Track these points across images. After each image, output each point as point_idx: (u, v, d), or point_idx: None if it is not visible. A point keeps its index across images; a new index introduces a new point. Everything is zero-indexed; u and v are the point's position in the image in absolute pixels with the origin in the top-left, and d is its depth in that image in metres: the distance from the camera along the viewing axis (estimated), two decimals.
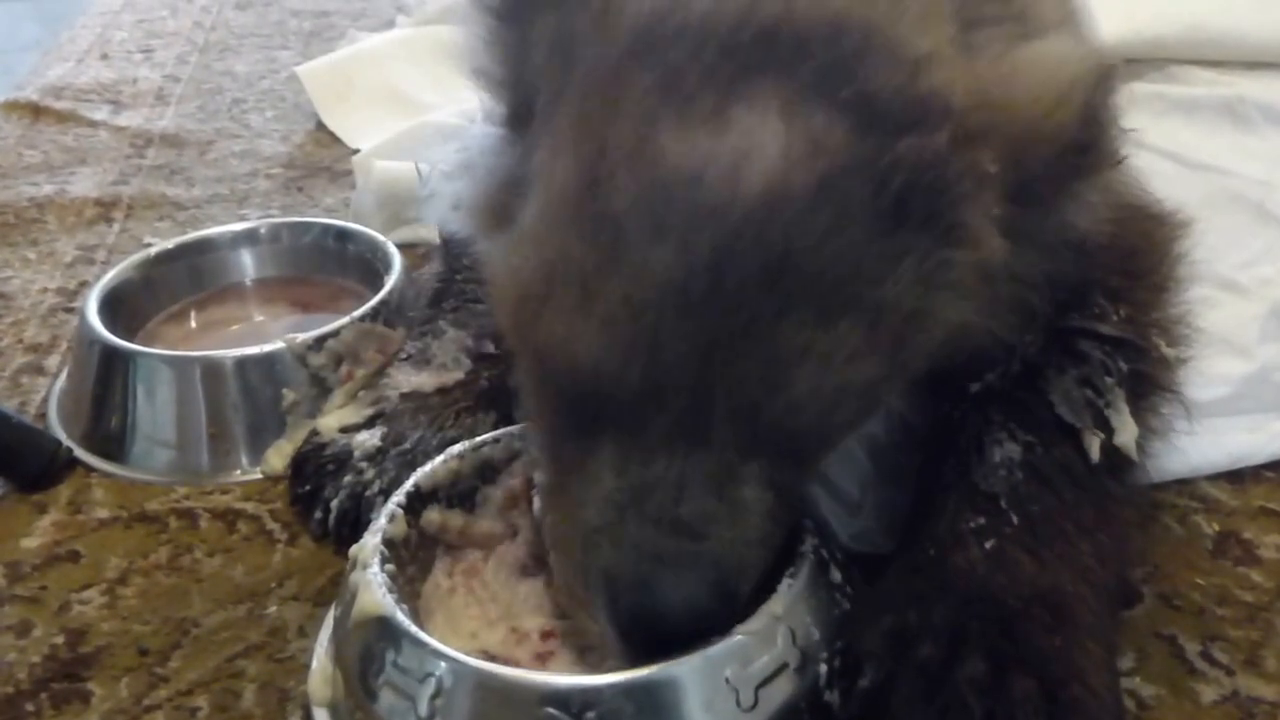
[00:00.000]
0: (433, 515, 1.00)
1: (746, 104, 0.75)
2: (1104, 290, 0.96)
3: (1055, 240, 0.86)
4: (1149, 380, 0.97)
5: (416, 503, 0.99)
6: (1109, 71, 0.79)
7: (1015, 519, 0.90)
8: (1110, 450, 0.93)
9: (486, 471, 1.02)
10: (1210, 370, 1.11)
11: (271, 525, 1.15)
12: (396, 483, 1.03)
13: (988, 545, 0.89)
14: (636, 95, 0.77)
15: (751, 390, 0.76)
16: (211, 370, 1.22)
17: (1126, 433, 0.93)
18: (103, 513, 1.17)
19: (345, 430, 1.16)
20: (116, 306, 1.32)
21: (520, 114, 0.90)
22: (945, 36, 0.81)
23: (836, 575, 0.90)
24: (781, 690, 0.82)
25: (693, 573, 0.79)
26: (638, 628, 0.80)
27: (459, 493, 1.02)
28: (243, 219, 1.64)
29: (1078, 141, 0.78)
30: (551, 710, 0.78)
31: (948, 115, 0.77)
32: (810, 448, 0.83)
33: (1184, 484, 1.13)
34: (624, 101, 0.78)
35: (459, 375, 1.15)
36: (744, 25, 0.77)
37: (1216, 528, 1.09)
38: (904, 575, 0.90)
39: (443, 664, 0.82)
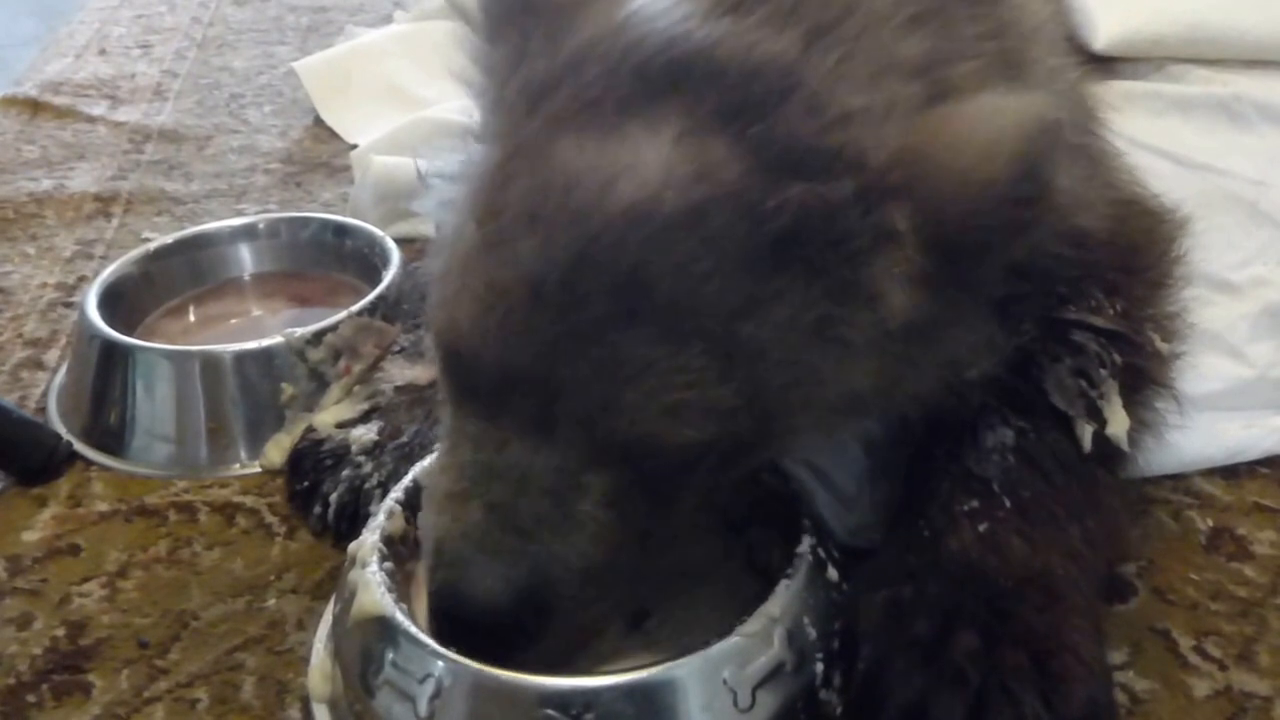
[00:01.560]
0: None
1: (643, 122, 0.78)
2: (1101, 284, 0.97)
3: (996, 302, 0.86)
4: (1142, 374, 0.98)
5: (415, 499, 0.99)
6: (1054, 123, 0.77)
7: (1007, 503, 0.91)
8: (1102, 440, 0.94)
9: None
10: (1202, 368, 1.12)
11: (270, 519, 1.15)
12: (395, 476, 1.03)
13: (980, 528, 0.90)
14: (554, 104, 0.81)
15: (590, 393, 0.77)
16: (210, 365, 1.22)
17: (1118, 424, 0.94)
18: (102, 506, 1.18)
19: (341, 425, 1.16)
20: (116, 301, 1.33)
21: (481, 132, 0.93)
22: (895, 93, 0.80)
23: (833, 574, 0.91)
24: (778, 691, 0.83)
25: (504, 569, 0.80)
26: (440, 603, 0.83)
27: None
28: (241, 214, 1.64)
29: (1012, 195, 0.76)
30: (550, 711, 0.79)
31: (856, 170, 0.77)
32: (659, 472, 0.81)
33: (1178, 479, 1.14)
34: (543, 109, 0.82)
35: None
36: (664, 52, 0.80)
37: (1210, 523, 1.10)
38: (898, 554, 0.92)
39: (442, 664, 0.82)
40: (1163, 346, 1.00)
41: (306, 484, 1.13)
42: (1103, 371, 0.95)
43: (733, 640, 0.82)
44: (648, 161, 0.77)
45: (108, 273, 1.36)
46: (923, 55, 0.83)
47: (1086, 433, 0.94)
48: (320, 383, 1.24)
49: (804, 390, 0.82)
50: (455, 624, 0.82)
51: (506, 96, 0.86)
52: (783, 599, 0.85)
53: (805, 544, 0.90)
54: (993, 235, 0.79)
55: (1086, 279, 0.96)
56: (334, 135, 2.01)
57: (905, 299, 0.80)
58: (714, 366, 0.77)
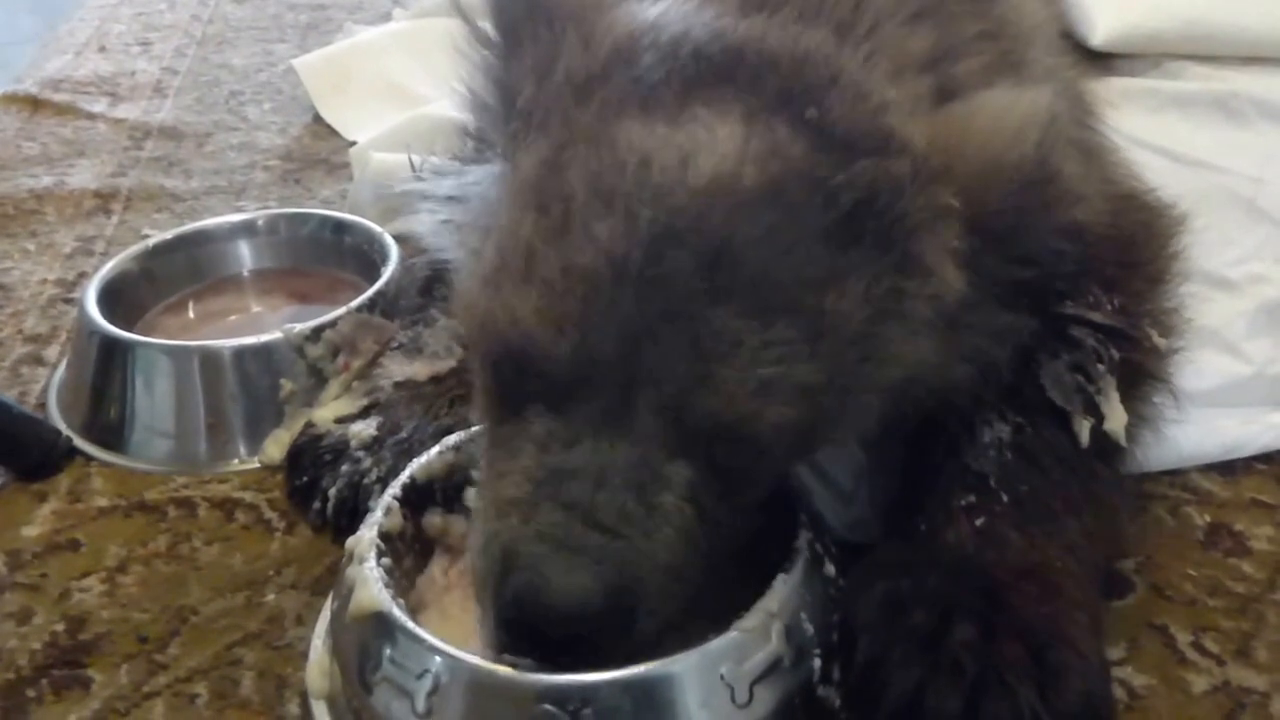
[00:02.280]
0: (435, 519, 1.01)
1: (709, 104, 0.80)
2: (1099, 279, 0.97)
3: (1021, 283, 0.88)
4: (1140, 369, 0.98)
5: (413, 495, 0.99)
6: (1059, 114, 0.82)
7: (1005, 497, 0.92)
8: (1100, 435, 0.95)
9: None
10: (1200, 364, 1.12)
11: (269, 514, 1.15)
12: (394, 471, 1.03)
13: (978, 522, 0.91)
14: (606, 93, 0.82)
15: (679, 375, 0.77)
16: (210, 360, 1.23)
17: (1116, 419, 0.95)
18: (102, 502, 1.18)
19: (340, 421, 1.17)
20: (115, 297, 1.33)
21: (511, 137, 0.92)
22: (913, 90, 0.84)
23: (831, 570, 0.91)
24: (776, 686, 0.83)
25: (593, 566, 0.78)
26: (519, 612, 0.79)
27: (456, 485, 1.02)
28: (240, 211, 1.64)
29: (1034, 178, 0.81)
30: (548, 706, 0.79)
31: (907, 150, 0.80)
32: (741, 456, 0.82)
33: (1176, 475, 1.14)
34: (594, 99, 0.82)
35: (451, 363, 1.16)
36: (715, 41, 0.82)
37: (1208, 519, 1.10)
38: (896, 548, 0.93)
39: (439, 660, 0.82)
40: (1160, 342, 1.00)
41: (305, 479, 1.13)
42: (1100, 367, 0.95)
43: (730, 636, 0.82)
44: (721, 139, 0.78)
45: (107, 269, 1.36)
46: (929, 50, 0.87)
47: (1084, 428, 0.94)
48: (319, 379, 1.24)
49: (870, 366, 0.82)
50: (536, 631, 0.79)
51: (542, 96, 0.85)
52: (780, 594, 0.85)
53: (803, 539, 0.90)
54: (1021, 218, 0.83)
55: (1085, 274, 0.96)
56: (333, 132, 2.02)
57: (958, 275, 0.82)
58: (801, 341, 0.78)
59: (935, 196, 0.80)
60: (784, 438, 0.81)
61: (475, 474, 0.97)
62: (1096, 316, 0.96)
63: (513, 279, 0.81)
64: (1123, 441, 0.96)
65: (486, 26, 0.93)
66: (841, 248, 0.78)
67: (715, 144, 0.78)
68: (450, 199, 1.01)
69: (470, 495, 1.02)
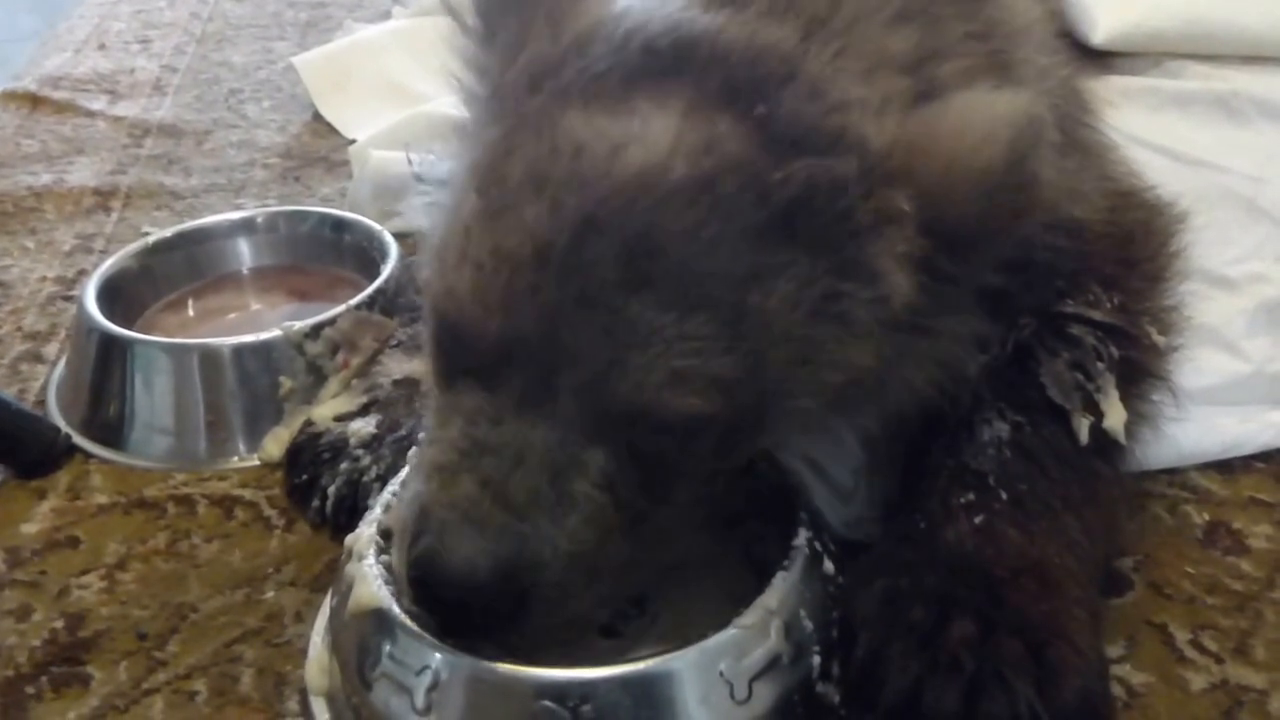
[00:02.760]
0: None
1: (650, 96, 0.80)
2: (1098, 277, 0.97)
3: (989, 290, 0.87)
4: (1139, 367, 0.98)
5: None
6: (1038, 117, 0.80)
7: (1004, 496, 0.92)
8: (1099, 433, 0.95)
9: None
10: (1199, 363, 1.12)
11: (269, 511, 1.15)
12: (393, 468, 1.04)
13: (977, 520, 0.91)
14: (556, 82, 0.82)
15: (594, 360, 0.78)
16: (209, 358, 1.23)
17: (1115, 416, 0.95)
18: (101, 499, 1.18)
19: (340, 419, 1.17)
20: (115, 295, 1.33)
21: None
22: (888, 87, 0.83)
23: (830, 567, 0.91)
24: (775, 683, 0.83)
25: (489, 543, 0.79)
26: (417, 572, 0.81)
27: None
28: (240, 209, 1.64)
29: (1004, 184, 0.79)
30: (547, 702, 0.79)
31: (857, 150, 0.79)
32: (660, 448, 0.82)
33: (1174, 474, 1.14)
34: (546, 86, 0.83)
35: None
36: (668, 34, 0.82)
37: (1207, 517, 1.10)
38: (895, 546, 0.92)
39: (438, 656, 0.82)
40: (1159, 340, 1.00)
41: (305, 477, 1.13)
42: (1100, 365, 0.95)
43: (730, 632, 0.82)
44: (656, 131, 0.78)
45: (107, 266, 1.36)
46: (911, 51, 0.86)
47: (1083, 426, 0.94)
48: (318, 376, 1.24)
49: (805, 369, 0.82)
50: (430, 594, 0.81)
51: (506, 81, 0.87)
52: (780, 591, 0.85)
53: (802, 537, 0.90)
54: (986, 224, 0.81)
55: (1083, 272, 0.96)
56: (332, 130, 2.02)
57: (906, 280, 0.81)
58: (719, 335, 0.78)
59: (886, 199, 0.79)
60: (702, 431, 0.81)
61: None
62: (1096, 314, 0.97)
63: (453, 257, 0.82)
64: (1122, 439, 0.96)
65: (468, 17, 0.94)
66: (772, 246, 0.78)
67: (647, 136, 0.78)
68: (442, 182, 1.01)
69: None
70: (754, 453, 0.92)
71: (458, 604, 0.80)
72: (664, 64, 0.81)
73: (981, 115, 0.79)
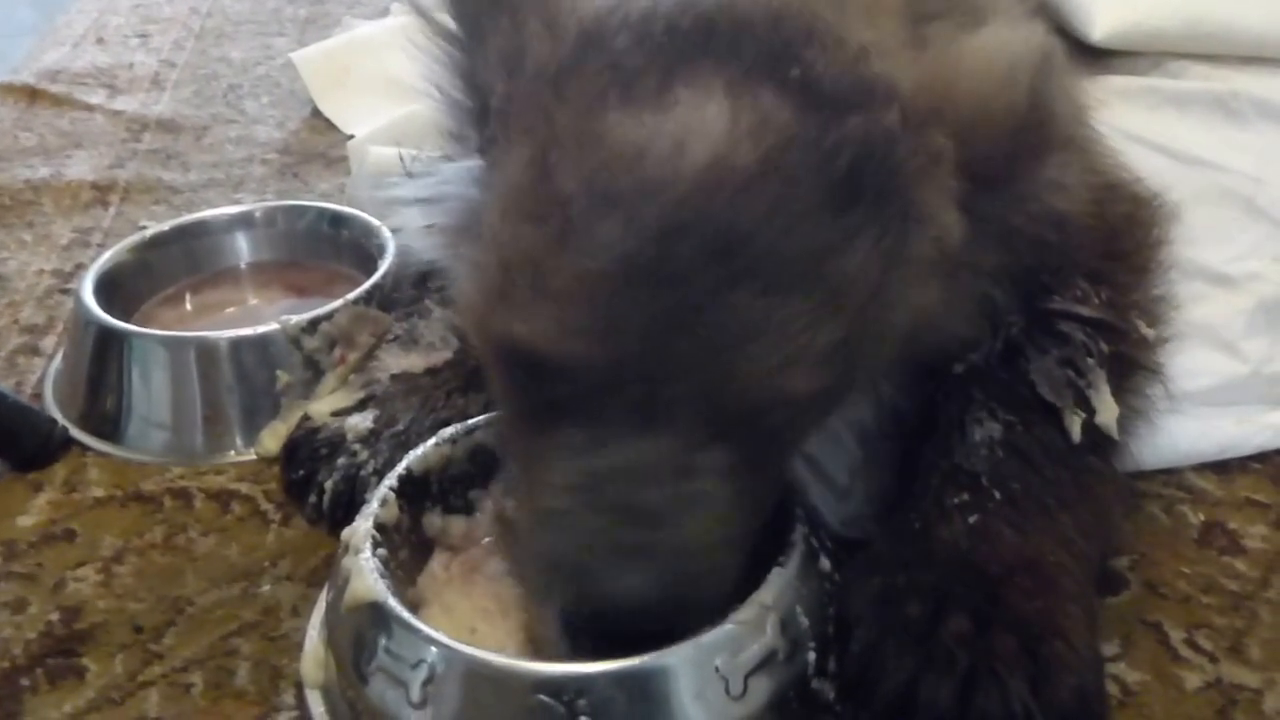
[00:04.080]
0: (435, 520, 1.01)
1: (690, 84, 0.78)
2: (1085, 272, 0.98)
3: (1012, 227, 0.87)
4: (1130, 361, 0.99)
5: (408, 486, 0.99)
6: (1051, 53, 0.81)
7: (997, 495, 0.92)
8: (1092, 429, 0.95)
9: (479, 456, 1.03)
10: (1196, 362, 1.12)
11: (265, 506, 1.15)
12: (391, 464, 1.03)
13: (971, 520, 0.91)
14: (583, 83, 0.80)
15: (704, 367, 0.77)
16: (206, 352, 1.22)
17: (1107, 412, 0.95)
18: (98, 492, 1.18)
19: (337, 414, 1.16)
20: (112, 288, 1.33)
21: (486, 140, 0.90)
22: (890, 31, 0.83)
23: (826, 564, 0.91)
24: (770, 679, 0.83)
25: (646, 563, 0.78)
26: (582, 618, 0.80)
27: (452, 478, 1.02)
28: (238, 204, 1.63)
29: (1027, 120, 0.80)
30: (543, 697, 0.79)
31: (894, 97, 0.79)
32: (773, 428, 0.82)
33: (1170, 474, 1.14)
34: (571, 90, 0.80)
35: (447, 355, 1.16)
36: (684, 14, 0.80)
37: (1202, 517, 1.10)
38: (891, 544, 0.93)
39: (434, 650, 0.82)
40: (1149, 332, 1.00)
41: (302, 472, 1.13)
42: (1090, 361, 0.95)
43: (725, 628, 0.82)
44: (710, 118, 0.76)
45: (104, 259, 1.36)
46: (902, 5, 0.86)
47: (1075, 423, 0.94)
48: (316, 371, 1.23)
49: (888, 312, 0.82)
50: (603, 632, 0.80)
51: (516, 93, 0.84)
52: (776, 587, 0.85)
53: (798, 533, 0.90)
54: (1014, 161, 0.82)
55: (1070, 267, 0.96)
56: (331, 126, 2.01)
57: (955, 217, 0.81)
58: (818, 310, 0.77)
59: (928, 140, 0.79)
60: (809, 405, 0.82)
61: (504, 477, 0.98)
62: (1084, 310, 0.97)
63: (523, 292, 0.79)
64: (1115, 434, 0.96)
65: (445, 20, 0.91)
66: (845, 209, 0.77)
67: (705, 126, 0.76)
68: (425, 201, 1.00)
69: (480, 497, 1.02)
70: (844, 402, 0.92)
71: (632, 628, 0.79)
72: (692, 45, 0.79)
73: (1000, 54, 0.80)
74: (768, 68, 0.78)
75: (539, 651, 0.88)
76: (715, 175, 0.75)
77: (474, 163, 0.91)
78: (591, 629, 0.80)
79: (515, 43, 0.85)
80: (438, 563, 0.99)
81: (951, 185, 0.81)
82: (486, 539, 1.00)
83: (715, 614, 0.82)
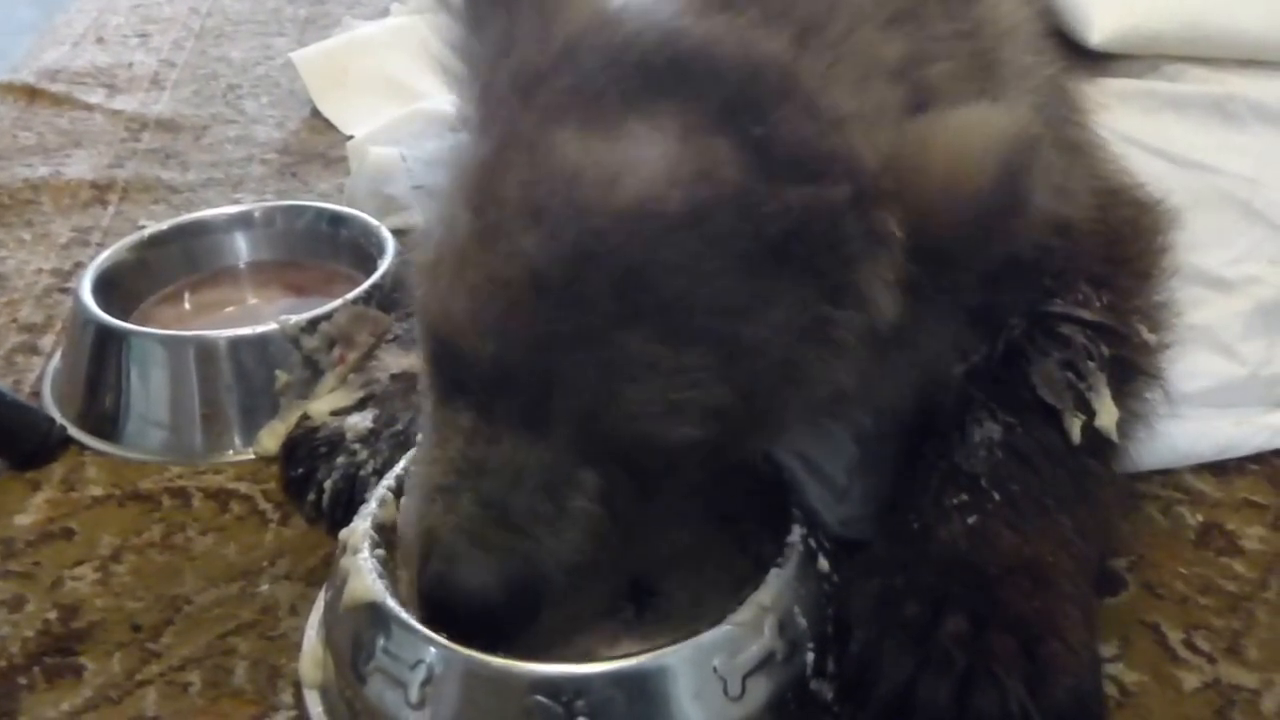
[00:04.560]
0: None
1: (646, 118, 0.78)
2: (1087, 276, 0.98)
3: (967, 307, 0.87)
4: (1130, 365, 0.99)
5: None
6: (1035, 138, 0.78)
7: (996, 496, 0.92)
8: (1091, 432, 0.95)
9: None
10: (1194, 364, 1.12)
11: (264, 505, 1.15)
12: (390, 463, 1.03)
13: (970, 521, 0.91)
14: (550, 95, 0.81)
15: (589, 392, 0.77)
16: (205, 351, 1.23)
17: (1107, 415, 0.95)
18: (96, 491, 1.18)
19: (336, 413, 1.16)
20: (111, 287, 1.33)
21: (465, 120, 0.92)
22: (882, 97, 0.82)
23: (824, 565, 0.91)
24: (769, 679, 0.83)
25: (496, 563, 0.80)
26: (433, 594, 0.83)
27: None
28: (237, 204, 1.63)
29: (993, 206, 0.77)
30: (541, 698, 0.79)
31: (852, 174, 0.78)
32: (650, 468, 0.82)
33: (1168, 475, 1.14)
34: (538, 99, 0.81)
35: None
36: (663, 48, 0.80)
37: (1200, 519, 1.10)
38: (889, 545, 0.93)
39: (433, 650, 0.82)
40: (1150, 337, 1.01)
41: (301, 471, 1.13)
42: (1091, 364, 0.95)
43: (724, 629, 0.82)
44: (652, 159, 0.76)
45: (103, 258, 1.36)
46: (902, 57, 0.84)
47: (1075, 425, 0.94)
48: (315, 370, 1.23)
49: (794, 389, 0.82)
50: (446, 613, 0.82)
51: (496, 84, 0.85)
52: (774, 588, 0.86)
53: (796, 534, 0.90)
54: (974, 245, 0.80)
55: (1072, 271, 0.97)
56: (330, 126, 2.01)
57: (893, 302, 0.80)
58: (714, 366, 0.77)
59: (877, 223, 0.78)
60: (695, 453, 0.82)
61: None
62: (1085, 314, 0.97)
63: (447, 276, 0.82)
64: (1115, 438, 0.96)
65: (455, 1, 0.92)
66: (766, 276, 0.77)
67: (643, 165, 0.76)
68: (433, 164, 1.01)
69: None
70: (740, 459, 0.91)
71: (472, 620, 0.81)
72: (660, 82, 0.79)
73: (974, 135, 0.77)
74: (730, 120, 0.78)
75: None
76: (638, 215, 0.76)
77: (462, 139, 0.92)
78: (436, 606, 0.83)
79: (507, 38, 0.86)
80: None
81: (896, 268, 0.79)
82: None
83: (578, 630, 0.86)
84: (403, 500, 0.91)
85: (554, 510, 0.80)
